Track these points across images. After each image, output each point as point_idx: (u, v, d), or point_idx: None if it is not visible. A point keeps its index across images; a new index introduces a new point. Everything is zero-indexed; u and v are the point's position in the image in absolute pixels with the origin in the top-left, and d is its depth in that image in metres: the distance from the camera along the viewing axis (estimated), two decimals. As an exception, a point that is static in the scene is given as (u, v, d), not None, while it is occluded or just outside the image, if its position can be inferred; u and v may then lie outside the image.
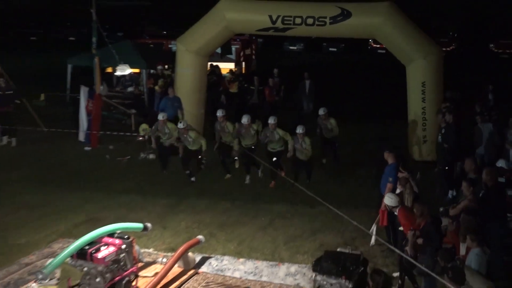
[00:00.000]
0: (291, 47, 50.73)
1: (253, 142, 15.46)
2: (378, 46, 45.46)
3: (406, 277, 9.87)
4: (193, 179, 15.49)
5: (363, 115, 22.81)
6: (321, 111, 16.17)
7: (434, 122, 16.49)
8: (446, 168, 14.23)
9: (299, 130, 14.52)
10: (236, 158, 16.15)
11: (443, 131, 14.66)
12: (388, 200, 10.05)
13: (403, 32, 17.18)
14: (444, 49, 19.95)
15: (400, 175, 11.36)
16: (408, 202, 10.77)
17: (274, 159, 15.15)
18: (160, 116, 15.58)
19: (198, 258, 11.20)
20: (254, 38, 34.06)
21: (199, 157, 15.49)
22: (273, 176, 15.19)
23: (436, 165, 15.11)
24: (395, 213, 10.25)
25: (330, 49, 50.52)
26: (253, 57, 34.49)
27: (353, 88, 28.66)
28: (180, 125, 14.93)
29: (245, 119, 15.03)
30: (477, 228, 9.07)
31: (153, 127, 15.88)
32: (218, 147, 15.86)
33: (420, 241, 9.42)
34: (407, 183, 11.13)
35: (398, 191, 11.24)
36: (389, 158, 12.08)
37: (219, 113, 15.68)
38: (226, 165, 16.10)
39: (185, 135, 15.02)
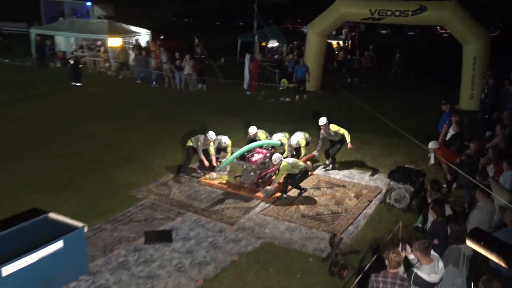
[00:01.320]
0: (382, 31, 48.28)
1: None
2: (443, 31, 42.50)
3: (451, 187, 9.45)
4: (199, 171, 10.51)
5: (430, 78, 21.46)
6: (320, 122, 10.71)
7: (479, 84, 15.53)
8: (486, 116, 13.40)
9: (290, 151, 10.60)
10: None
11: (485, 90, 13.89)
12: (432, 144, 9.56)
13: (463, 22, 16.04)
14: (491, 34, 18.33)
15: (452, 119, 10.80)
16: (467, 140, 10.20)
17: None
18: (213, 136, 10.34)
19: (313, 165, 11.27)
20: (358, 24, 32.66)
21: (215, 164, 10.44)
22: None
23: (478, 113, 14.22)
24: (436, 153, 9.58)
25: (409, 33, 47.66)
26: (356, 37, 33.20)
27: (424, 61, 26.95)
28: (219, 166, 10.17)
29: (276, 157, 9.54)
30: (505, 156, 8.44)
31: (199, 142, 10.30)
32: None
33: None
34: (463, 129, 10.51)
35: (451, 131, 10.64)
36: (445, 107, 11.63)
37: (251, 131, 10.98)
38: None
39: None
